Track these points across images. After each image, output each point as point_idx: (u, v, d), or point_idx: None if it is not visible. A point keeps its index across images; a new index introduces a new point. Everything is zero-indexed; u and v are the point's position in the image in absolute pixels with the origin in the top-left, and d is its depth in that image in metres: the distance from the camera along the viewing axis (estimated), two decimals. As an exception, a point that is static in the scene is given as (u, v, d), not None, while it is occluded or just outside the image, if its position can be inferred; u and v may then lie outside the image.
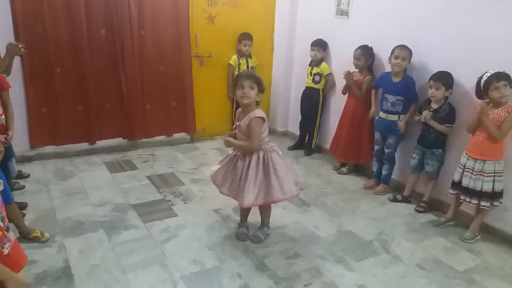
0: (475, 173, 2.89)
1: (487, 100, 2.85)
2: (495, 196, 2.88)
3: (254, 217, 3.01)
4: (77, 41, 3.97)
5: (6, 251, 1.56)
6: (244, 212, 2.94)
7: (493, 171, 2.84)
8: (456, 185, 3.04)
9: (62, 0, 3.82)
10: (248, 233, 2.91)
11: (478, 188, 2.88)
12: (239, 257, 2.66)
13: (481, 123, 2.84)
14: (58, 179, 3.69)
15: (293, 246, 2.82)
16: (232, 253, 2.70)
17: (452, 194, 3.10)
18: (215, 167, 2.86)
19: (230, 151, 2.80)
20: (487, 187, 2.86)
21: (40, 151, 4.12)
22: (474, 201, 2.91)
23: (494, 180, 2.85)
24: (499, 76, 2.73)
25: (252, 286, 2.38)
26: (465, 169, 2.95)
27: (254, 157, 2.65)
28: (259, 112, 2.61)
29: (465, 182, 2.95)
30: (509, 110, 2.76)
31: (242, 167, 2.66)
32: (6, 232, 1.59)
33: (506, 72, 2.74)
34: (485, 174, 2.85)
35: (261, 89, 2.62)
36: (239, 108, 2.76)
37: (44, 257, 2.53)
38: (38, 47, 3.82)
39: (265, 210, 2.89)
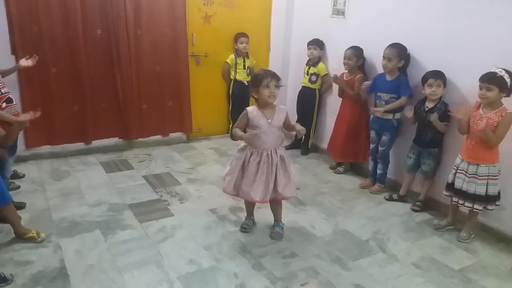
0: (468, 175, 2.85)
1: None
2: (489, 199, 2.84)
3: (258, 214, 3.02)
4: (73, 41, 3.95)
5: None
6: (251, 205, 2.98)
7: (487, 175, 2.80)
8: (450, 186, 3.03)
9: (58, -1, 3.80)
10: (252, 226, 2.97)
11: (471, 191, 2.84)
12: (235, 256, 2.66)
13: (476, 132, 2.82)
14: (53, 179, 3.67)
15: (289, 246, 2.82)
16: (229, 253, 2.69)
17: (446, 195, 3.07)
18: (245, 187, 2.73)
19: (250, 154, 2.71)
20: (480, 190, 2.82)
21: (35, 151, 4.10)
22: (468, 204, 2.88)
23: (487, 184, 2.81)
24: (483, 77, 2.71)
25: (249, 286, 2.38)
26: (458, 171, 2.92)
27: (284, 151, 2.79)
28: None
29: (458, 184, 2.91)
30: (503, 114, 2.71)
31: (276, 161, 2.72)
32: None
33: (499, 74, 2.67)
34: (478, 177, 2.82)
35: (280, 87, 2.72)
36: (251, 108, 2.74)
37: (40, 258, 2.52)
38: (34, 47, 3.78)
39: (279, 205, 2.93)
